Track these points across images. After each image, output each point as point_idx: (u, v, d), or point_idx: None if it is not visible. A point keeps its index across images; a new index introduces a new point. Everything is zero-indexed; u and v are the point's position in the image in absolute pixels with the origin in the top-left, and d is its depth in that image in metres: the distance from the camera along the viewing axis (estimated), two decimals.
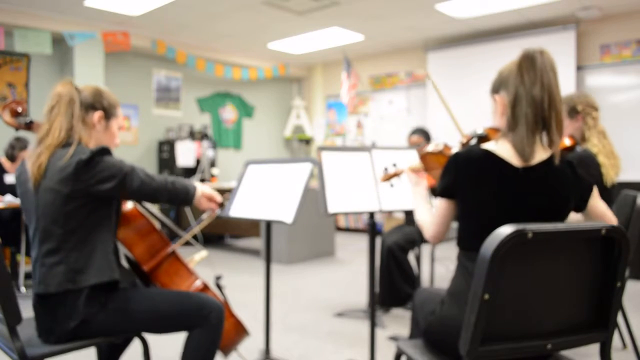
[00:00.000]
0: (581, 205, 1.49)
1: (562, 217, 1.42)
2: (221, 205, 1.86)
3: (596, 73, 5.83)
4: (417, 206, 1.73)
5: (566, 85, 5.58)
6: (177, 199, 1.73)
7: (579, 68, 5.84)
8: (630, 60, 5.60)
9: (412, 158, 1.88)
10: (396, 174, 2.01)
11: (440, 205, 1.50)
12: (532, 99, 1.36)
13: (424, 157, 1.80)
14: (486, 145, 1.42)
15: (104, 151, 1.61)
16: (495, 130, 1.50)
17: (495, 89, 1.49)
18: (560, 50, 5.82)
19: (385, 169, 2.08)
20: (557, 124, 1.37)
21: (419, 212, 1.69)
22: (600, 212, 1.50)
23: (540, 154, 1.38)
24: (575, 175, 1.43)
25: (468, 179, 1.40)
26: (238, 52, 7.49)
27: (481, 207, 1.39)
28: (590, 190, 1.49)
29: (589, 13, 5.57)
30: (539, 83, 1.35)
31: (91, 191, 1.57)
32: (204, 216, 1.94)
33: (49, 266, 1.57)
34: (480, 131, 1.57)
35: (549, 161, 1.38)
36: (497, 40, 6.26)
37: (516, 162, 1.37)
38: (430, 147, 1.78)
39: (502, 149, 1.39)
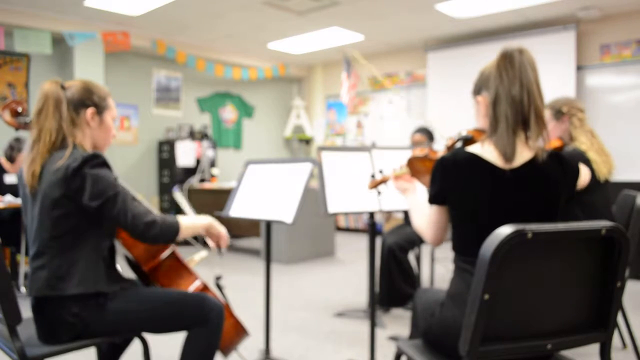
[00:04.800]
0: (572, 193, 1.47)
1: (555, 214, 1.41)
2: (219, 246, 1.87)
3: (596, 73, 5.82)
4: (411, 213, 1.70)
5: (566, 85, 5.58)
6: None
7: (579, 68, 5.84)
8: (630, 60, 5.60)
9: (399, 164, 1.87)
10: (383, 181, 1.99)
11: (433, 211, 1.49)
12: (511, 98, 1.36)
13: (410, 162, 1.79)
14: (471, 148, 1.42)
15: (97, 160, 1.55)
16: (481, 131, 1.50)
17: (478, 90, 1.49)
18: (560, 50, 5.81)
19: (372, 176, 2.05)
20: (538, 121, 1.37)
21: (414, 219, 1.67)
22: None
23: (525, 154, 1.38)
24: (563, 168, 1.42)
25: (456, 184, 1.40)
26: (238, 52, 7.49)
27: (473, 211, 1.38)
28: (578, 173, 1.48)
29: (589, 13, 5.57)
30: (517, 82, 1.36)
31: (78, 201, 1.53)
32: (202, 253, 1.97)
33: (33, 269, 1.56)
34: (464, 133, 1.56)
35: (533, 160, 1.38)
36: (497, 40, 6.25)
37: (502, 164, 1.36)
38: (416, 152, 1.76)
39: (487, 151, 1.39)
